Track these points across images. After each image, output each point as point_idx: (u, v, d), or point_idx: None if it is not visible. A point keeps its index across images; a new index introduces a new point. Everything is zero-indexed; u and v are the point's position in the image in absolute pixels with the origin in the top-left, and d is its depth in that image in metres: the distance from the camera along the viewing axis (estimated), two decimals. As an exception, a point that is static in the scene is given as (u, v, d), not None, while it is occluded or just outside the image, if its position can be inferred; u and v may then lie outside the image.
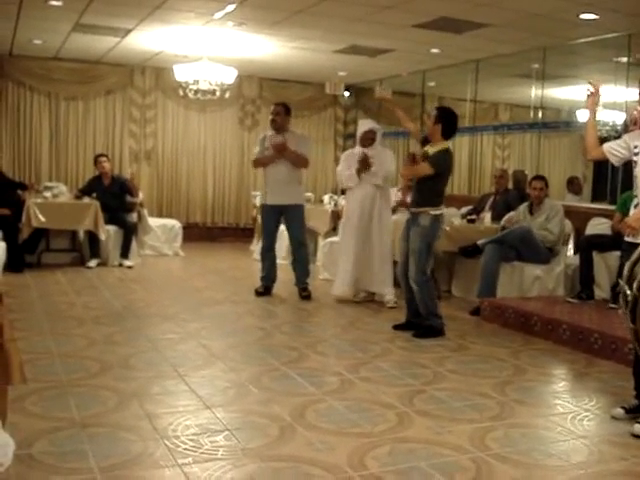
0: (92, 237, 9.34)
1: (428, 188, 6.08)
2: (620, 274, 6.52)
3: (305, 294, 7.63)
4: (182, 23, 8.51)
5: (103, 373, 4.64)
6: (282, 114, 7.64)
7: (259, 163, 7.80)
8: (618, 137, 8.83)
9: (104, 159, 9.98)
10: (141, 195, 10.47)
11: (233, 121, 12.95)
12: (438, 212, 6.08)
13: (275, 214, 7.71)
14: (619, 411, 4.12)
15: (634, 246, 4.12)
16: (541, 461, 3.45)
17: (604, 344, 5.57)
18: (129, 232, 9.63)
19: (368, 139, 7.33)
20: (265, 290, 7.72)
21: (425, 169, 6.01)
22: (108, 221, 9.42)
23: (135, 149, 12.27)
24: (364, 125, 7.54)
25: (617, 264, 6.68)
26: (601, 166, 10.69)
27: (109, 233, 9.41)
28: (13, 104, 11.50)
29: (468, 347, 5.85)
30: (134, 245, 9.89)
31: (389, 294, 7.39)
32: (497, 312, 6.79)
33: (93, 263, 9.30)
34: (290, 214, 7.69)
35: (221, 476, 3.13)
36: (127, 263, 9.47)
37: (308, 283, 7.76)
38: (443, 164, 6.04)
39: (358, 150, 7.38)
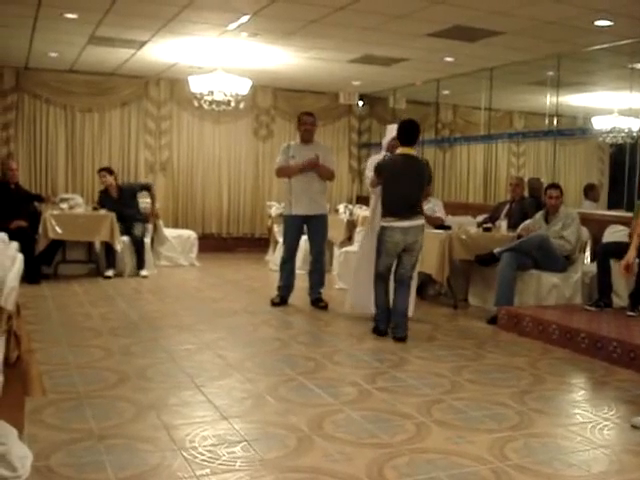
0: (108, 247, 9.38)
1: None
2: (638, 281, 6.51)
3: (322, 304, 7.63)
4: (196, 35, 8.55)
5: (120, 384, 4.64)
6: (315, 125, 7.73)
7: (284, 173, 7.72)
8: (634, 143, 8.86)
9: (103, 173, 10.01)
10: (157, 205, 10.51)
11: (248, 132, 12.97)
12: (384, 224, 6.35)
13: (299, 224, 7.69)
14: (639, 420, 4.08)
15: None
16: (561, 471, 3.42)
17: (623, 352, 5.52)
18: (137, 243, 9.65)
19: (396, 146, 6.81)
20: (281, 300, 7.72)
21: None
22: (123, 232, 9.48)
23: (150, 160, 12.30)
24: (392, 131, 7.00)
25: (636, 271, 6.64)
26: (617, 173, 10.65)
27: (124, 244, 9.46)
28: (29, 116, 11.57)
29: (486, 356, 5.82)
30: (150, 255, 9.94)
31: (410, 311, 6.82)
32: (514, 321, 6.75)
33: (111, 272, 9.34)
34: (314, 224, 7.68)
35: (239, 487, 3.13)
36: (143, 273, 9.51)
37: (322, 293, 7.76)
38: (375, 170, 6.60)
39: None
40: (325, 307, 7.60)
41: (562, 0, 6.61)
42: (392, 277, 6.51)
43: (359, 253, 7.14)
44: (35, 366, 3.03)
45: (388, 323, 6.44)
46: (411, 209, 6.33)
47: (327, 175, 7.68)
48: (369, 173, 7.07)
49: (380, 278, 6.48)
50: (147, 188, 10.28)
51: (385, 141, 7.18)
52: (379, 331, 6.44)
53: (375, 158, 7.20)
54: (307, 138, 7.66)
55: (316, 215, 7.65)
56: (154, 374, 4.91)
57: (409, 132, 6.40)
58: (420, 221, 6.40)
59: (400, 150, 6.43)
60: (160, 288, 8.88)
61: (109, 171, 10.07)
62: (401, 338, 6.25)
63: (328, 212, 8.23)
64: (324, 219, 7.79)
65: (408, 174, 6.34)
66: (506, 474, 3.33)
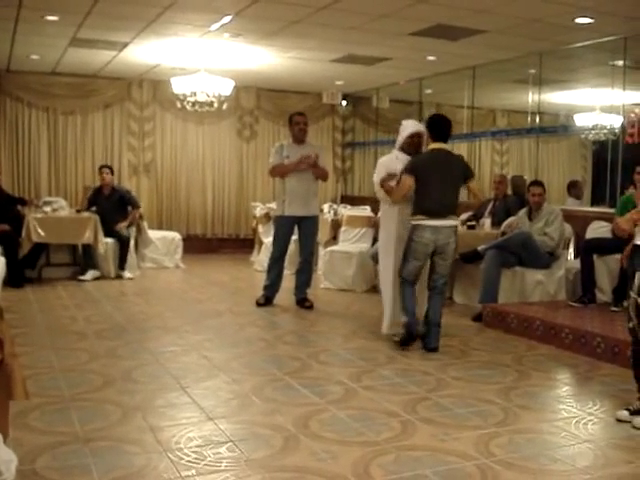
0: (86, 249, 9.35)
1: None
2: (621, 277, 6.56)
3: (308, 304, 7.65)
4: (179, 35, 8.53)
5: (106, 387, 4.63)
6: (307, 124, 7.73)
7: (279, 171, 7.63)
8: (616, 140, 8.91)
9: (107, 170, 10.01)
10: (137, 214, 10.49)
11: (231, 132, 12.96)
12: (414, 222, 5.86)
13: (291, 225, 7.67)
14: (623, 413, 4.11)
15: None
16: (546, 466, 3.44)
17: (607, 347, 5.56)
18: (124, 245, 9.61)
19: (415, 144, 6.25)
20: (266, 301, 7.72)
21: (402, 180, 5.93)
22: (106, 234, 9.43)
23: (134, 162, 12.27)
24: (410, 127, 6.36)
25: (618, 267, 6.69)
26: (600, 169, 10.71)
27: (107, 246, 9.42)
28: (11, 119, 11.51)
29: (471, 353, 5.84)
30: (134, 257, 9.93)
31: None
32: (499, 318, 6.78)
33: (89, 276, 9.28)
34: (306, 225, 7.68)
35: (225, 488, 3.13)
36: (127, 275, 9.48)
37: (308, 293, 7.78)
38: (407, 170, 5.89)
39: (402, 157, 6.20)
40: (310, 307, 7.61)
41: (543, -2, 6.65)
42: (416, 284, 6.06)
43: (386, 264, 6.36)
44: (18, 370, 3.02)
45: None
46: (445, 208, 5.87)
47: (323, 175, 7.71)
48: (377, 178, 6.31)
49: (406, 281, 5.97)
50: (134, 205, 10.17)
51: (401, 138, 6.35)
52: (412, 337, 5.87)
53: (384, 161, 6.46)
54: (301, 138, 7.63)
55: (308, 216, 7.65)
56: (140, 376, 4.90)
57: (443, 126, 6.02)
58: (454, 222, 5.96)
59: (434, 145, 5.96)
60: (145, 290, 8.86)
61: (111, 170, 10.14)
62: (434, 349, 5.86)
63: (319, 214, 8.23)
64: (316, 220, 7.82)
65: (443, 171, 5.89)
66: (491, 470, 3.35)
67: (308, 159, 7.46)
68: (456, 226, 6.02)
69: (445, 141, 6.01)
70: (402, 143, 6.30)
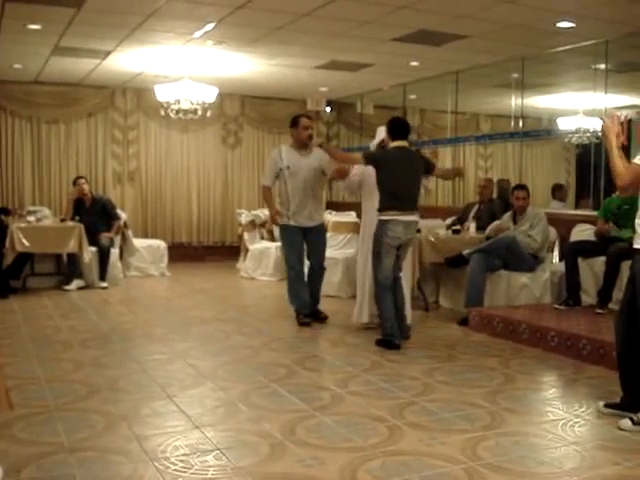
0: (71, 259, 9.30)
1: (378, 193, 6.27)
2: (605, 279, 6.60)
3: (322, 316, 7.25)
4: (162, 43, 8.52)
5: (91, 396, 4.59)
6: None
7: (266, 200, 7.46)
8: (599, 143, 8.95)
9: (83, 181, 9.97)
10: (124, 215, 10.45)
11: (216, 140, 12.95)
12: (383, 218, 6.11)
13: (300, 234, 7.14)
14: (627, 424, 4.03)
15: None
16: (533, 469, 3.44)
17: (592, 349, 5.58)
18: (103, 254, 9.52)
19: (381, 148, 6.68)
20: (307, 316, 7.15)
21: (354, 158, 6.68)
22: (91, 243, 9.38)
23: (118, 171, 12.24)
24: (382, 133, 6.72)
25: (603, 269, 6.72)
26: (583, 172, 10.76)
27: (92, 255, 9.37)
28: (-6, 129, 11.47)
29: (457, 357, 5.84)
30: (119, 266, 9.91)
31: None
32: (485, 321, 6.79)
33: (74, 286, 9.21)
34: (315, 234, 7.21)
35: (212, 496, 3.11)
36: (102, 284, 9.40)
37: (319, 304, 7.39)
38: (367, 156, 6.28)
39: None
40: (325, 319, 7.24)
41: (524, 3, 6.68)
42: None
43: (361, 262, 6.83)
44: (2, 381, 3.01)
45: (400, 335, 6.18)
46: (412, 203, 6.19)
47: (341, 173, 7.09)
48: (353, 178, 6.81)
49: (384, 287, 6.13)
50: (113, 217, 10.07)
51: (375, 142, 6.86)
52: (393, 346, 6.04)
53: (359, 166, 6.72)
54: (310, 140, 7.02)
55: (317, 225, 7.24)
56: (125, 385, 4.87)
57: (401, 126, 6.34)
58: (418, 217, 6.31)
59: (395, 143, 6.23)
60: (130, 299, 8.82)
61: (86, 179, 10.11)
62: (407, 338, 6.32)
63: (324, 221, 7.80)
64: (324, 228, 7.48)
65: (407, 166, 6.17)
66: (478, 473, 3.35)
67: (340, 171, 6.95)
68: (418, 222, 6.45)
69: (405, 139, 6.28)
70: (377, 147, 6.80)
